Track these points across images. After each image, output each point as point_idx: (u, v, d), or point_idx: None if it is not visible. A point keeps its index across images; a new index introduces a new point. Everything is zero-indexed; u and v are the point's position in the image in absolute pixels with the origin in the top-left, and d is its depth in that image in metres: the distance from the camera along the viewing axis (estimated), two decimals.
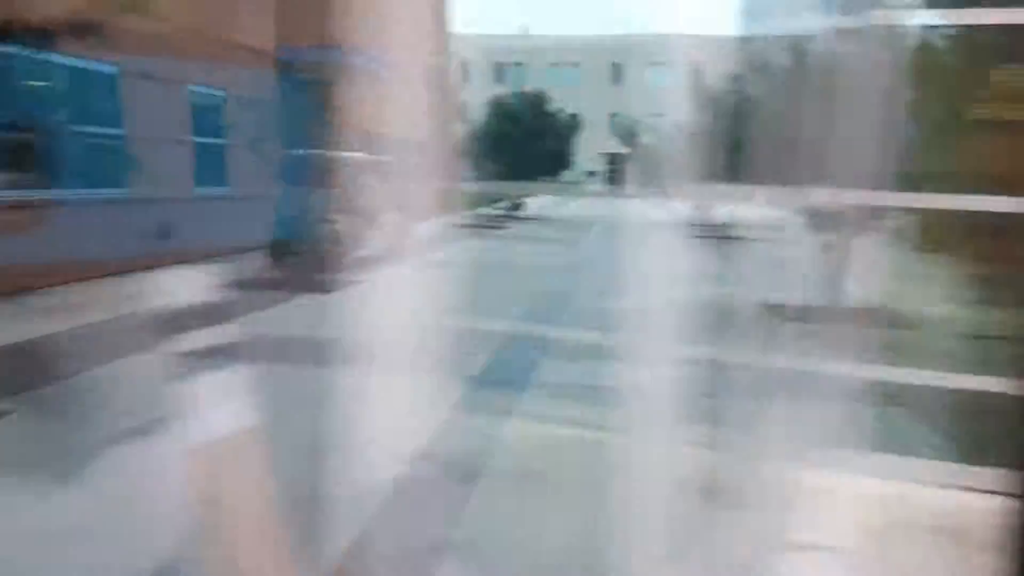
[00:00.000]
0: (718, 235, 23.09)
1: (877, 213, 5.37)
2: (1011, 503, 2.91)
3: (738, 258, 15.37)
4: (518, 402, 6.10)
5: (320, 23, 18.53)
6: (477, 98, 42.08)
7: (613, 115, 34.37)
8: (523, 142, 31.40)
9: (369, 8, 16.30)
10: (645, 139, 31.63)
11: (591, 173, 71.15)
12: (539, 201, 46.59)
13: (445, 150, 31.01)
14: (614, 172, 71.29)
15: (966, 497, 4.08)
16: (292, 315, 8.98)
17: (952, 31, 5.88)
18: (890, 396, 4.90)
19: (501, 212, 29.44)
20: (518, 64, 70.41)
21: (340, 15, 18.49)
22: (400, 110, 24.33)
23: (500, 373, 7.09)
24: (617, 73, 72.42)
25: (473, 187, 28.20)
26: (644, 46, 71.86)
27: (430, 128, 28.96)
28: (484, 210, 27.59)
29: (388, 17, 22.62)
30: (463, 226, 24.98)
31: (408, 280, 12.42)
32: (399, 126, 24.96)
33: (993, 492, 3.53)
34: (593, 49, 72.41)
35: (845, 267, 5.63)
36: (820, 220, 5.87)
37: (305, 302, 9.91)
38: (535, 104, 32.12)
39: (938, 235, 6.04)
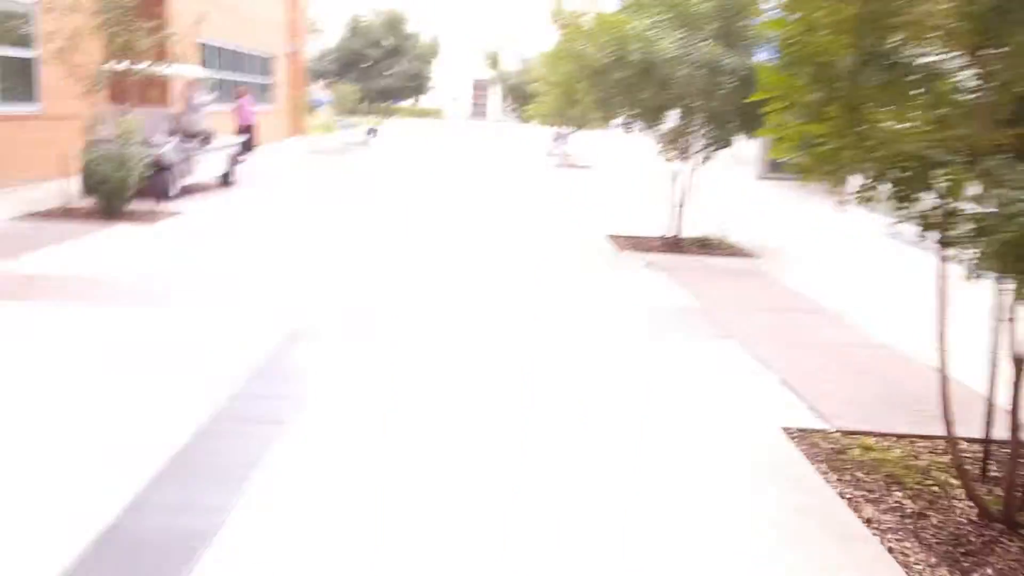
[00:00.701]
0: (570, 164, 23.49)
1: None
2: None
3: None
4: None
5: None
6: (334, 16, 40.04)
7: (479, 38, 33.46)
8: (381, 64, 30.10)
9: None
10: (511, 64, 30.96)
11: (454, 98, 70.02)
12: (395, 126, 45.55)
13: (295, 69, 29.39)
14: (477, 98, 70.63)
15: None
16: (78, 251, 8.17)
17: None
18: None
19: (353, 137, 28.39)
20: None
21: None
22: (243, 21, 22.70)
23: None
24: None
25: (325, 109, 26.88)
26: None
27: (278, 44, 27.27)
28: (335, 135, 26.49)
29: None
30: (310, 152, 23.94)
31: (230, 213, 11.69)
32: (243, 39, 23.31)
33: None
34: None
35: None
36: None
37: (106, 236, 9.09)
38: (394, 23, 30.68)
39: None
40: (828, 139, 3.42)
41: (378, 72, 29.86)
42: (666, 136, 9.82)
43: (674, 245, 10.03)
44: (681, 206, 10.02)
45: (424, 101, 62.04)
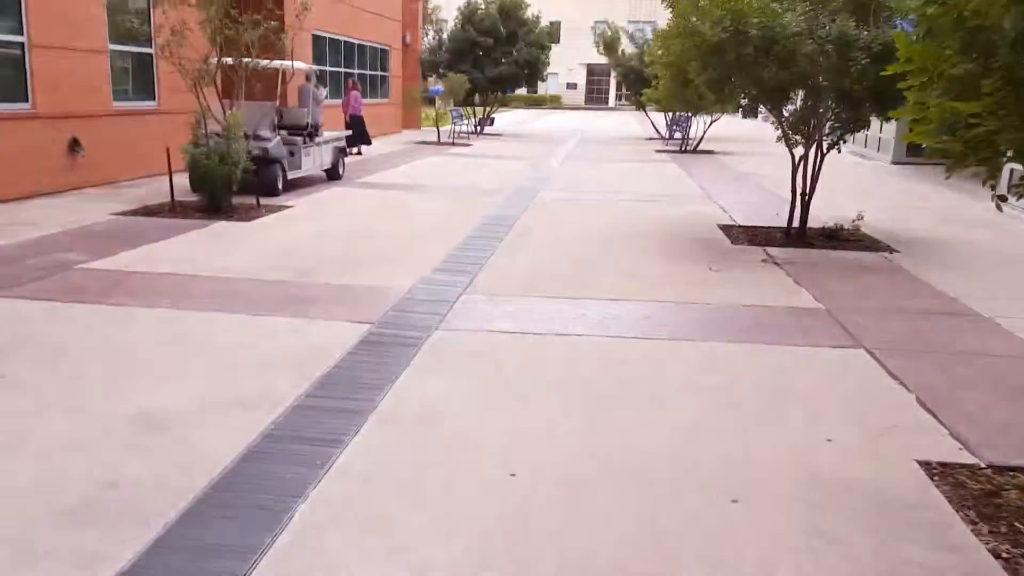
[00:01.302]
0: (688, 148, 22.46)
1: None
2: None
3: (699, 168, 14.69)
4: None
5: None
6: (449, 4, 40.19)
7: (599, 23, 32.60)
8: (496, 51, 29.79)
9: None
10: (623, 51, 30.07)
11: (571, 85, 69.38)
12: (513, 115, 45.52)
13: (410, 61, 29.57)
14: (595, 85, 69.70)
15: None
16: (181, 249, 8.17)
17: None
18: None
19: (467, 126, 28.29)
20: None
21: None
22: (357, 12, 22.88)
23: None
24: None
25: (441, 99, 26.86)
26: None
27: (394, 35, 27.49)
28: (451, 124, 26.43)
29: None
30: (422, 143, 23.97)
31: (338, 210, 11.59)
32: (357, 31, 23.54)
33: None
34: None
35: None
36: None
37: (207, 233, 9.11)
38: (511, 9, 30.29)
39: None
40: (983, 120, 2.73)
41: (493, 61, 29.52)
42: (789, 119, 8.95)
43: (797, 238, 9.17)
44: (806, 195, 9.14)
45: (541, 88, 62.30)
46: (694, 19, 7.79)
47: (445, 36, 30.75)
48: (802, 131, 8.92)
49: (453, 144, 23.81)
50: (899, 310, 6.48)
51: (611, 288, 6.97)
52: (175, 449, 3.76)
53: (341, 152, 14.45)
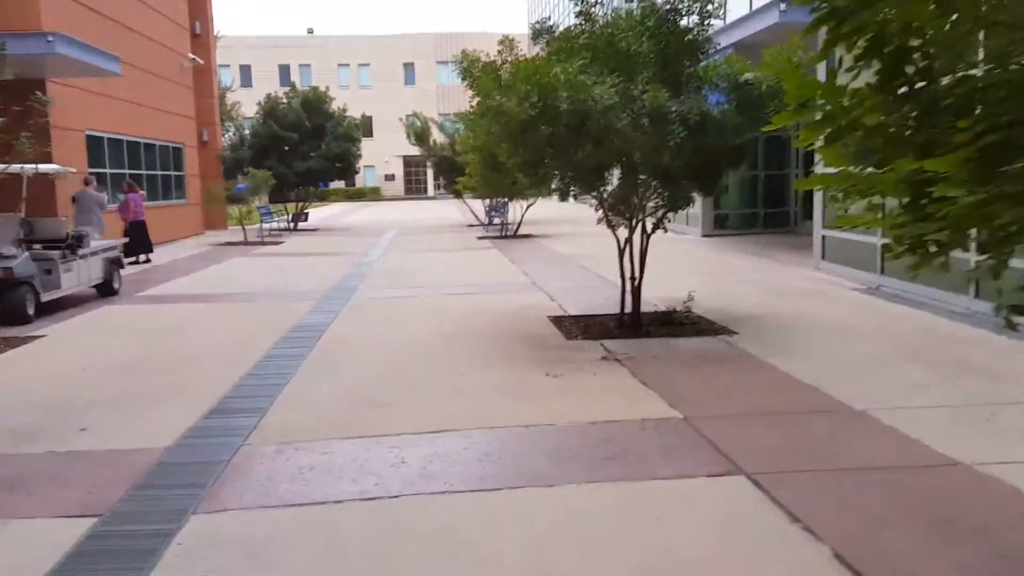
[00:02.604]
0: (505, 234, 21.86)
1: None
2: None
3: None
4: None
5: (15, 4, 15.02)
6: (250, 100, 38.53)
7: (408, 116, 32.02)
8: (303, 145, 28.51)
9: None
10: (434, 140, 29.73)
11: (389, 177, 68.79)
12: (331, 210, 43.87)
13: (208, 158, 27.52)
14: (412, 175, 69.51)
15: None
16: None
17: None
18: None
19: (279, 224, 26.57)
20: (304, 65, 66.53)
21: None
22: (142, 110, 20.74)
23: None
24: (411, 73, 70.54)
25: (246, 196, 24.99)
26: (437, 44, 70.53)
27: (188, 133, 25.39)
28: (258, 222, 24.61)
29: (121, 6, 19.11)
30: (227, 243, 21.95)
31: (102, 336, 9.71)
32: (143, 129, 21.31)
33: None
34: (385, 48, 70.02)
35: None
36: None
37: None
38: (316, 103, 29.26)
39: None
40: (955, 188, 1.76)
41: (300, 155, 28.16)
42: (608, 200, 8.24)
43: (632, 326, 8.37)
44: (634, 279, 8.40)
45: (359, 181, 61.20)
46: (498, 97, 6.90)
47: (247, 132, 29.14)
48: (623, 212, 8.23)
49: (262, 243, 22.01)
50: (763, 412, 5.64)
51: (436, 414, 5.70)
52: None
53: (115, 264, 12.42)
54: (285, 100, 28.98)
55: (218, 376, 6.95)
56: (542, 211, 25.50)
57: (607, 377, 6.68)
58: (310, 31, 73.53)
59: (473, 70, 7.81)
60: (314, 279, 13.81)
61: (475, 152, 8.96)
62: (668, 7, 7.15)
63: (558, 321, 9.07)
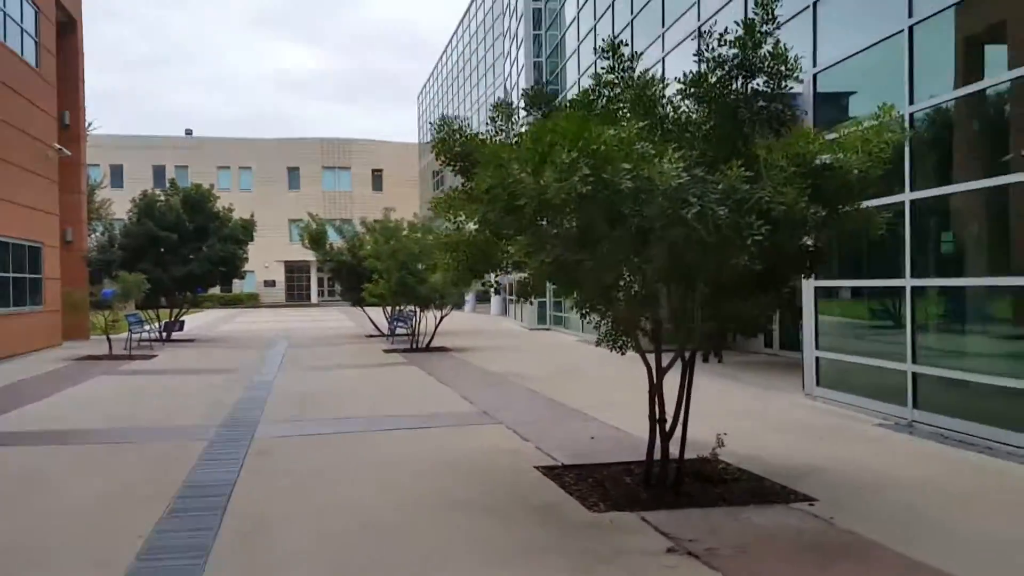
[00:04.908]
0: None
1: None
2: None
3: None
4: None
5: None
6: (122, 199, 35.11)
7: (301, 219, 29.50)
8: (184, 247, 25.59)
9: None
10: (331, 244, 27.47)
11: (269, 283, 64.97)
12: (206, 316, 39.94)
13: (72, 260, 23.98)
14: (295, 281, 66.00)
15: None
16: None
17: None
18: None
19: (150, 334, 23.20)
20: (181, 167, 62.85)
21: None
22: None
23: None
24: (295, 177, 68.06)
25: (114, 302, 21.58)
26: (324, 150, 68.76)
27: (48, 231, 21.88)
28: (128, 332, 21.24)
29: None
30: (88, 357, 18.49)
31: None
32: None
33: None
34: (268, 152, 67.51)
35: None
36: None
37: None
38: (198, 202, 26.55)
39: None
40: None
41: (180, 258, 25.13)
42: (642, 317, 6.19)
43: (664, 484, 6.23)
44: (664, 421, 6.31)
45: (236, 286, 57.22)
46: (515, 168, 4.81)
47: (117, 232, 25.89)
48: (657, 334, 6.22)
49: (131, 357, 18.73)
50: None
51: None
52: None
53: None
54: (164, 198, 26.11)
55: None
56: (444, 321, 22.94)
57: None
58: (188, 132, 70.39)
59: (452, 141, 5.79)
60: (201, 407, 11.02)
61: (445, 249, 6.79)
62: (736, 61, 5.40)
63: (556, 476, 6.79)
